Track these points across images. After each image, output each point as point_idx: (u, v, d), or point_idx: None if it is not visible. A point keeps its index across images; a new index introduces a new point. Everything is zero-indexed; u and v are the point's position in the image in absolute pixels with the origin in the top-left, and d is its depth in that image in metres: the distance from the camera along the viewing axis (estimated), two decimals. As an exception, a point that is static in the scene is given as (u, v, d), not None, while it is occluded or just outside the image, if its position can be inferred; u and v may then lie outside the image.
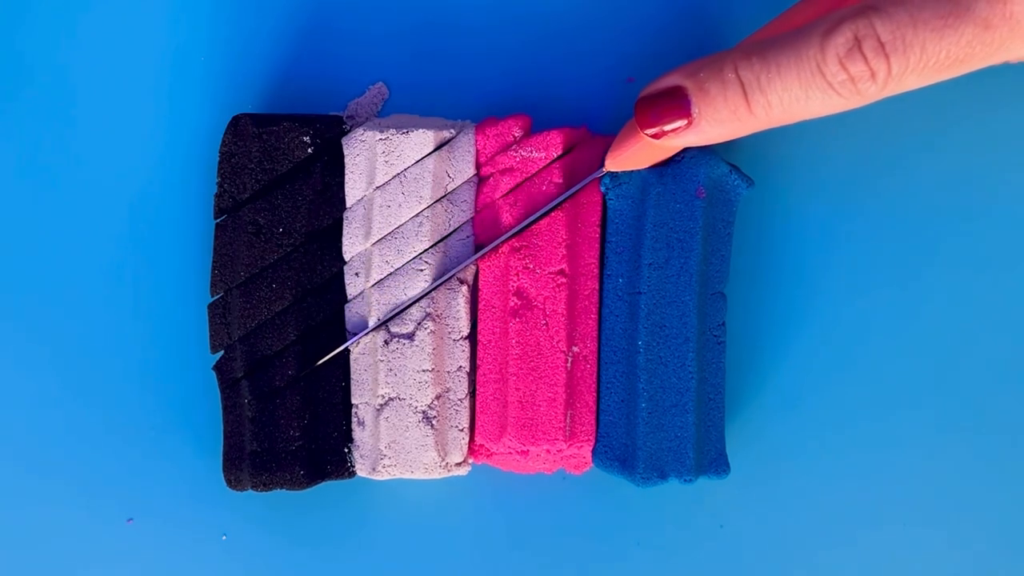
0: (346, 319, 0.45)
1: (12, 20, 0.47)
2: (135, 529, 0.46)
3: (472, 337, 0.45)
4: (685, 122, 0.38)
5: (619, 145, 0.42)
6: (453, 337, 0.45)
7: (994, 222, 0.47)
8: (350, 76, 0.47)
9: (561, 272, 0.44)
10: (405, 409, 0.44)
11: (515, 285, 0.44)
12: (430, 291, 0.44)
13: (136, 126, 0.47)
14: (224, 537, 0.46)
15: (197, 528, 0.46)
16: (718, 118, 0.38)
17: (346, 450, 0.45)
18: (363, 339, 0.44)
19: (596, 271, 0.45)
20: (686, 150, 0.43)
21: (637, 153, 0.41)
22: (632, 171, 0.44)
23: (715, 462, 0.45)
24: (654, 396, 0.44)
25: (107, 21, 0.47)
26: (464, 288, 0.44)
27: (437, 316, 0.44)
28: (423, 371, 0.44)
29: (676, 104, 0.38)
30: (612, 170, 0.43)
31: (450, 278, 0.44)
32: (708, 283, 0.45)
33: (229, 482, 0.44)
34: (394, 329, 0.44)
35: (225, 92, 0.47)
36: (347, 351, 0.44)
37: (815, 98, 0.36)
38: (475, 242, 0.45)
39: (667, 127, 0.39)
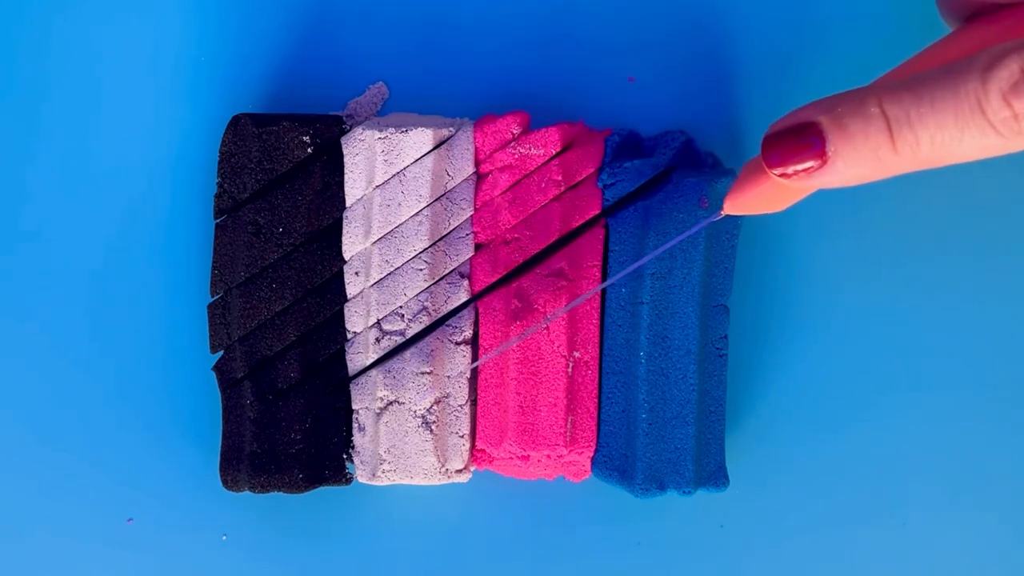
0: (346, 319, 0.44)
1: (12, 21, 0.47)
2: (135, 529, 0.46)
3: (474, 344, 0.44)
4: (819, 162, 0.34)
5: (741, 186, 0.37)
6: (454, 340, 0.44)
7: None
8: (350, 76, 0.47)
9: (560, 274, 0.44)
10: (404, 413, 0.44)
11: (514, 285, 0.44)
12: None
13: (136, 126, 0.47)
14: (224, 537, 0.46)
15: (197, 528, 0.46)
16: (857, 158, 0.34)
17: (345, 456, 0.44)
18: (359, 340, 0.44)
19: (598, 275, 0.44)
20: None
21: (762, 195, 0.37)
22: (634, 174, 0.43)
23: (714, 475, 0.44)
24: (655, 407, 0.43)
25: (107, 21, 0.47)
26: (466, 283, 0.44)
27: (435, 311, 0.44)
28: (421, 373, 0.44)
29: (809, 141, 0.34)
30: (731, 213, 0.39)
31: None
32: (711, 295, 0.44)
33: (226, 483, 0.44)
34: (387, 327, 0.44)
35: (225, 92, 0.47)
36: (344, 353, 0.44)
37: (971, 138, 0.33)
38: (475, 240, 0.44)
39: (798, 167, 0.35)
